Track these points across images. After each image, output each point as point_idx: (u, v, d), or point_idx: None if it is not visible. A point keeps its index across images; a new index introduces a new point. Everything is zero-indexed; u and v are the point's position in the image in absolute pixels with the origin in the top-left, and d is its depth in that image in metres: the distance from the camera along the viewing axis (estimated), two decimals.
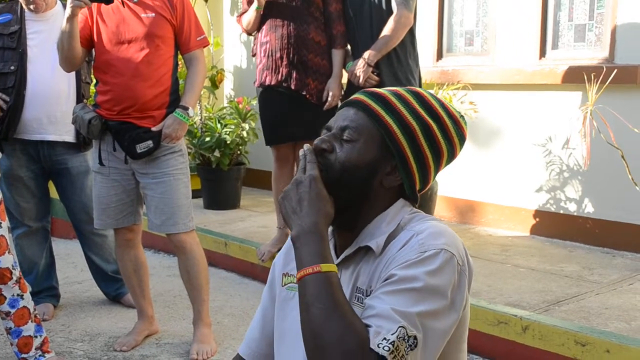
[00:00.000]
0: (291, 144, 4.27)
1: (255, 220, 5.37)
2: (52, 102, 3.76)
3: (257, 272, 4.52)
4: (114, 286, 4.15)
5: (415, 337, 1.28)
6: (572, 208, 4.69)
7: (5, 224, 3.17)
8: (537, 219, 4.86)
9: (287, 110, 4.13)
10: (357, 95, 1.51)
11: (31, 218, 3.95)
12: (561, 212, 4.74)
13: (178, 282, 3.54)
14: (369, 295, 1.39)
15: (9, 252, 3.12)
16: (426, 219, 1.47)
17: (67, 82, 3.80)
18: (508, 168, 4.98)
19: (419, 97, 1.49)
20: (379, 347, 1.25)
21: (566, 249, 4.54)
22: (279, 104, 4.16)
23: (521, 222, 4.93)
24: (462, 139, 1.52)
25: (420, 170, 1.48)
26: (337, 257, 1.51)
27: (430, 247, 1.35)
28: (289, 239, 1.52)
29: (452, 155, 1.52)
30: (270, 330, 1.65)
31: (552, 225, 4.77)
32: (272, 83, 4.10)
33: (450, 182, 5.15)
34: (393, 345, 1.25)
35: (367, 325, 1.29)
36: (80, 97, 3.84)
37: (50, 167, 3.88)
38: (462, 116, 1.54)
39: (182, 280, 3.53)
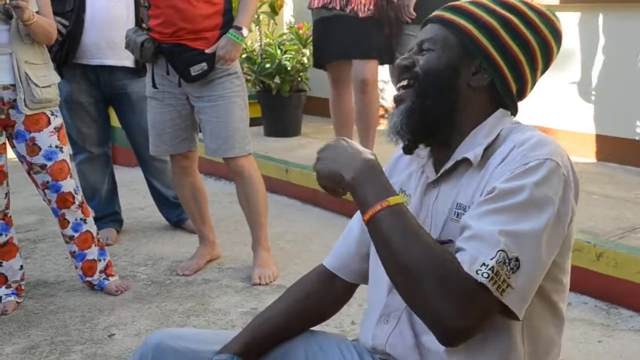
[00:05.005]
0: (343, 64, 4.25)
1: (316, 147, 5.22)
2: (111, 26, 3.70)
3: (318, 199, 4.45)
4: (176, 212, 4.14)
5: (517, 259, 1.19)
6: None
7: (67, 148, 3.17)
8: (610, 145, 4.65)
9: (333, 29, 4.17)
10: (434, 13, 1.48)
11: (92, 144, 3.95)
12: (637, 137, 4.52)
13: (239, 208, 3.51)
14: None
15: (70, 177, 3.13)
16: (528, 128, 1.38)
17: (125, 6, 3.73)
18: (579, 94, 4.75)
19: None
20: (477, 274, 1.18)
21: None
22: (325, 24, 4.23)
23: (591, 149, 4.73)
24: (555, 33, 1.42)
25: (511, 67, 1.40)
26: (436, 173, 1.43)
27: (534, 158, 1.26)
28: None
29: (547, 51, 1.43)
30: (367, 246, 1.56)
31: (625, 151, 4.56)
32: (319, 5, 4.21)
33: (520, 108, 4.95)
34: (492, 271, 1.17)
35: (462, 249, 1.22)
36: (139, 21, 3.77)
37: (110, 92, 3.86)
38: (550, 10, 1.44)
39: (240, 206, 3.50)
